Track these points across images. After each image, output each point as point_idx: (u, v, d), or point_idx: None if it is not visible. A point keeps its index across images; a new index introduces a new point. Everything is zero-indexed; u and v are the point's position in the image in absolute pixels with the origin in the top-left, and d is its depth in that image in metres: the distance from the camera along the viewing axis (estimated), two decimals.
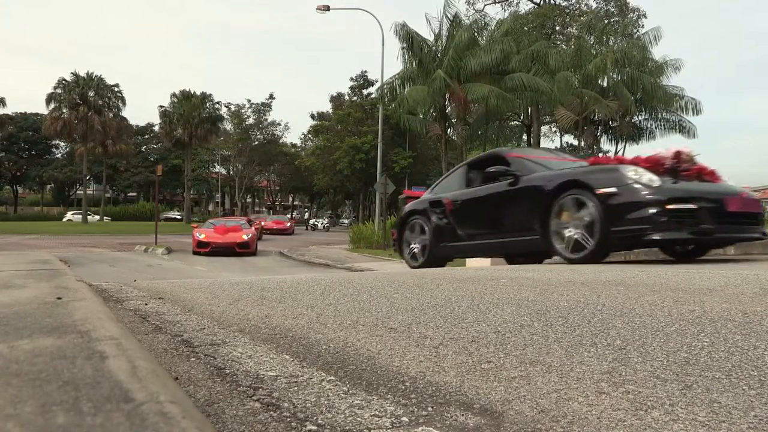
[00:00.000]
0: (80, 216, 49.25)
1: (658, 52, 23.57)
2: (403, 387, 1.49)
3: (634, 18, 30.33)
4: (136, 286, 3.71)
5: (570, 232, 5.08)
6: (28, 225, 40.55)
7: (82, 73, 44.95)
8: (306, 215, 65.26)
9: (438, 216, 6.64)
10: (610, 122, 23.32)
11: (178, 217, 52.38)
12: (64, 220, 50.83)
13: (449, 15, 21.69)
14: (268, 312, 2.61)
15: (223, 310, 2.71)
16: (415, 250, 6.92)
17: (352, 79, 46.64)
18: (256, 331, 2.20)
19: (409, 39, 21.05)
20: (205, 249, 17.96)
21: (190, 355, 1.83)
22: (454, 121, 22.74)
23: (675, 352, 1.66)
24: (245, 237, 18.59)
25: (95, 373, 1.10)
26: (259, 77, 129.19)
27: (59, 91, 44.36)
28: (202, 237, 18.16)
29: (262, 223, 33.64)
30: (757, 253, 7.79)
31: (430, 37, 22.01)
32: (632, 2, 30.81)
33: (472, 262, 8.47)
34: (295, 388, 1.49)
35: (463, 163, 7.44)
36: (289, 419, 1.26)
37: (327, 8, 23.26)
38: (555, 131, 34.82)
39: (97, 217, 50.16)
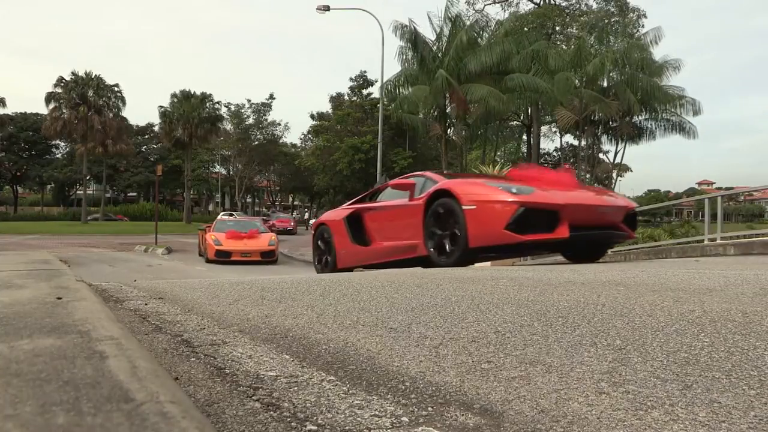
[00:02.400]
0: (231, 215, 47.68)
1: (658, 52, 23.58)
2: (403, 387, 1.49)
3: (634, 18, 30.35)
4: (136, 286, 3.71)
5: None
6: (29, 225, 40.53)
7: (81, 73, 45.00)
8: (306, 215, 65.20)
9: None
10: (610, 122, 23.31)
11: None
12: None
13: (450, 16, 21.73)
14: (268, 312, 2.61)
15: (223, 310, 2.71)
16: None
17: (351, 79, 46.67)
18: (256, 331, 2.20)
19: (413, 37, 21.07)
20: None
21: (190, 355, 1.83)
22: (454, 121, 22.76)
23: (675, 352, 1.66)
24: None
25: (95, 373, 1.10)
26: (259, 77, 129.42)
27: (59, 90, 44.37)
28: None
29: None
30: (757, 254, 7.79)
31: (431, 38, 22.05)
32: (632, 2, 30.83)
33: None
34: (295, 388, 1.49)
35: None
36: (289, 419, 1.26)
37: (327, 8, 23.25)
38: (555, 131, 34.82)
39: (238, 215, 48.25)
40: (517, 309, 2.37)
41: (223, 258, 15.27)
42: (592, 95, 20.24)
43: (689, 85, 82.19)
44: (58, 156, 62.53)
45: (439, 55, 21.55)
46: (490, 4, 32.37)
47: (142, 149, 62.93)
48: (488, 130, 25.31)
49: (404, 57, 21.57)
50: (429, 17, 22.35)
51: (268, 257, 15.79)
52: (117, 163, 57.49)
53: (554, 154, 42.61)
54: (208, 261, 15.57)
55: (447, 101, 21.62)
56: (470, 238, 5.14)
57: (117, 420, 0.85)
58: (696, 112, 22.56)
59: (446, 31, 21.69)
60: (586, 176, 24.57)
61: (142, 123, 62.67)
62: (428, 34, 22.32)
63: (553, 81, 20.35)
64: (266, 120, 54.31)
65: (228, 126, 52.03)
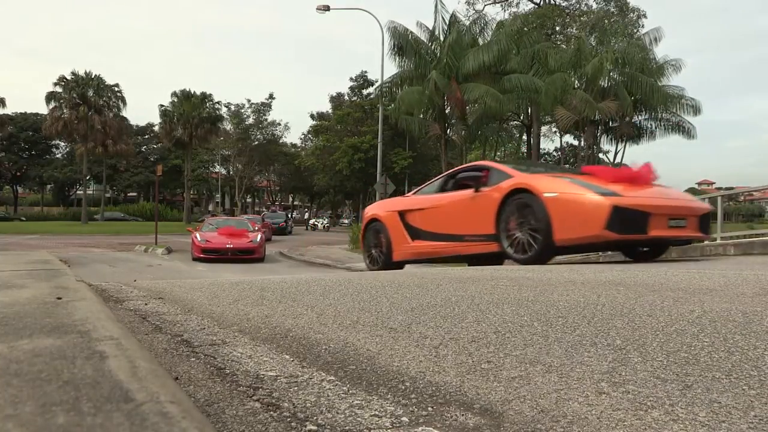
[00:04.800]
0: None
1: (658, 53, 23.54)
2: (403, 387, 1.49)
3: (634, 18, 30.35)
4: (136, 286, 3.71)
5: None
6: (29, 225, 40.56)
7: (81, 73, 44.97)
8: (306, 215, 65.21)
9: None
10: (610, 122, 23.28)
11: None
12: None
13: (445, 18, 21.78)
14: (268, 312, 2.61)
15: (223, 310, 2.71)
16: None
17: (351, 79, 46.76)
18: (256, 331, 2.20)
19: (400, 42, 21.15)
20: None
21: (190, 355, 1.83)
22: (453, 121, 22.76)
23: (675, 352, 1.66)
24: None
25: (95, 373, 1.10)
26: (259, 77, 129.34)
27: (59, 89, 44.34)
28: None
29: None
30: (757, 254, 7.79)
31: (426, 39, 22.08)
32: (632, 2, 30.85)
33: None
34: (295, 388, 1.48)
35: None
36: (289, 419, 1.26)
37: (327, 8, 23.25)
38: (555, 131, 34.81)
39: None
40: (517, 309, 2.37)
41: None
42: (584, 98, 20.17)
43: (689, 85, 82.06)
44: (58, 156, 62.49)
45: (437, 54, 21.56)
46: (490, 3, 32.41)
47: (142, 149, 62.88)
48: (487, 129, 25.29)
49: (398, 60, 21.65)
50: (419, 24, 22.38)
51: None
52: (117, 163, 57.45)
53: (554, 154, 42.65)
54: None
55: (445, 101, 21.62)
56: None
57: (117, 420, 0.85)
58: (696, 111, 22.53)
59: (443, 31, 21.72)
60: None
61: (142, 123, 62.72)
62: (424, 36, 22.35)
63: (552, 81, 20.33)
64: (266, 120, 54.30)
65: (228, 126, 51.99)
